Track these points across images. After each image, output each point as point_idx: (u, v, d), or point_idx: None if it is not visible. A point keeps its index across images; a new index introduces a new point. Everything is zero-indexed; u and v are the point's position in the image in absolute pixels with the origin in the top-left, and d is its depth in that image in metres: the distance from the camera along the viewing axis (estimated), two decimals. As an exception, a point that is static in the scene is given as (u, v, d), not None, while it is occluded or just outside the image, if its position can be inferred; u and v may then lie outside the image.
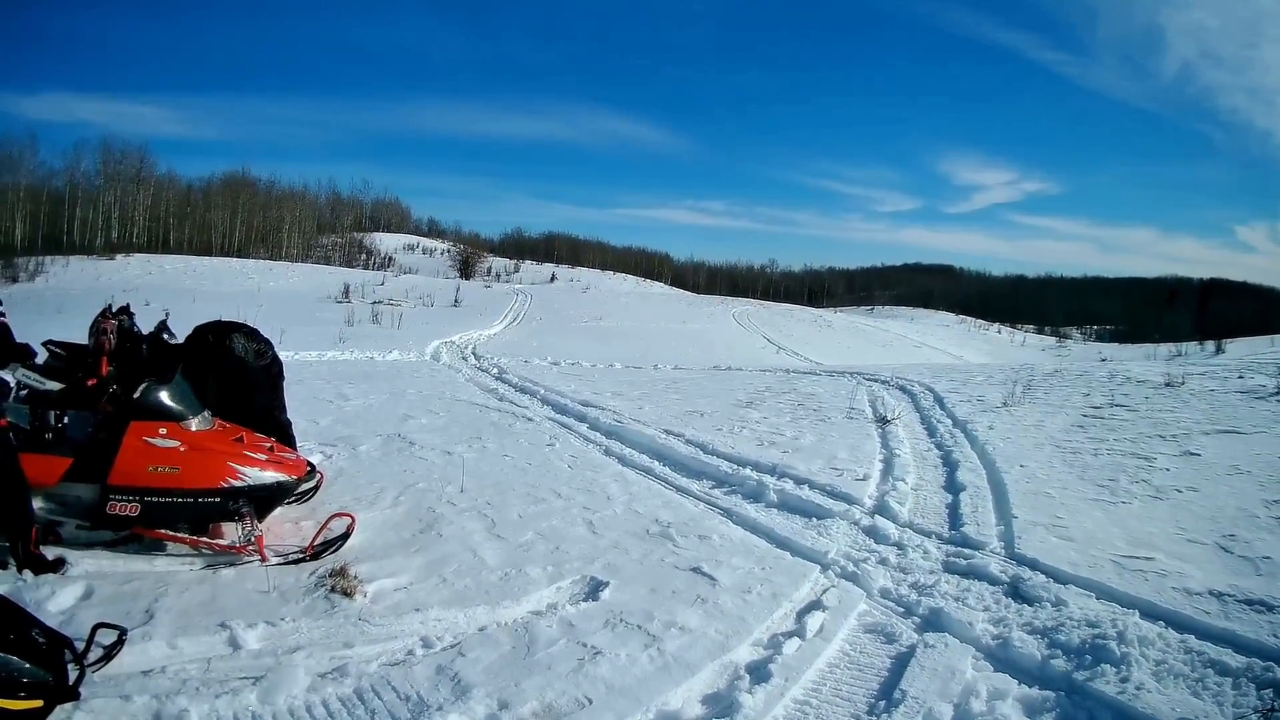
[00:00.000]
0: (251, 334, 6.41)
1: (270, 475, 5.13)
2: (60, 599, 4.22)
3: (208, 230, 66.04)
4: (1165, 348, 38.19)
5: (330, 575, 4.59)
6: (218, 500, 4.93)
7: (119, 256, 48.24)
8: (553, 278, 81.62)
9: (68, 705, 3.13)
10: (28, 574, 4.44)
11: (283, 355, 6.90)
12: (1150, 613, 4.40)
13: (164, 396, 5.05)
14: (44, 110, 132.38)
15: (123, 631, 3.66)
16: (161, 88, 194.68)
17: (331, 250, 76.77)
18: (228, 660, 3.76)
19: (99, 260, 46.37)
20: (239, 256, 58.04)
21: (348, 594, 4.43)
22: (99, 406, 5.03)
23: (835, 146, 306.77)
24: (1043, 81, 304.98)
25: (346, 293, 36.98)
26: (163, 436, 4.91)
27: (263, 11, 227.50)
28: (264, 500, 5.13)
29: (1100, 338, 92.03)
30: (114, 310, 5.71)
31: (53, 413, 4.97)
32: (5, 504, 4.48)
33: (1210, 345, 42.29)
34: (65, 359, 5.46)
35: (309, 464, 5.81)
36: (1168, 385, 12.14)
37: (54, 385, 5.09)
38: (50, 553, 4.66)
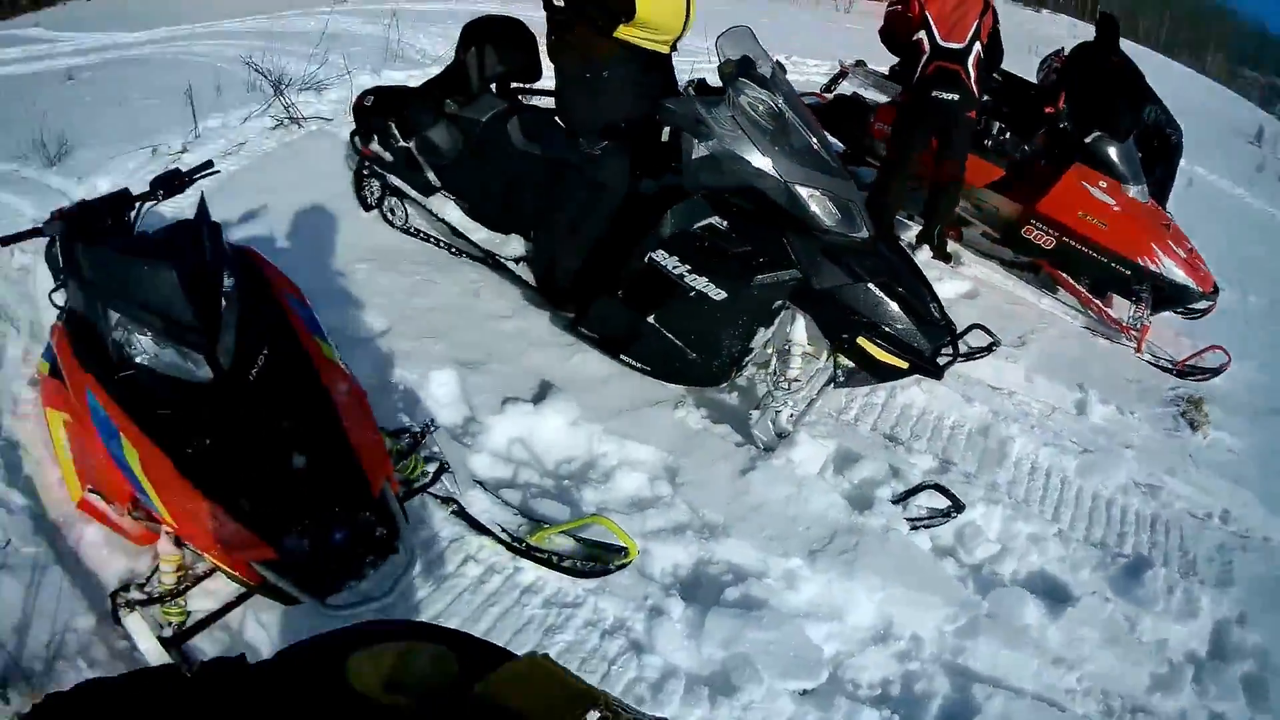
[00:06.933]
0: None
1: (1180, 275, 5.17)
2: (943, 288, 4.72)
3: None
4: None
5: (1187, 400, 4.68)
6: (1128, 273, 5.20)
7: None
8: None
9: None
10: (926, 250, 5.38)
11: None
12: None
13: (1113, 153, 5.26)
14: None
15: (995, 342, 4.21)
16: None
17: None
18: (1070, 420, 4.24)
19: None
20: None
21: (1194, 426, 4.50)
22: (1036, 139, 5.59)
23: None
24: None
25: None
26: (1101, 190, 5.22)
27: None
28: (1164, 296, 5.27)
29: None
30: None
31: (996, 124, 5.70)
32: (939, 196, 5.40)
33: None
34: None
35: (1214, 284, 5.64)
36: None
37: None
38: (951, 247, 5.59)
